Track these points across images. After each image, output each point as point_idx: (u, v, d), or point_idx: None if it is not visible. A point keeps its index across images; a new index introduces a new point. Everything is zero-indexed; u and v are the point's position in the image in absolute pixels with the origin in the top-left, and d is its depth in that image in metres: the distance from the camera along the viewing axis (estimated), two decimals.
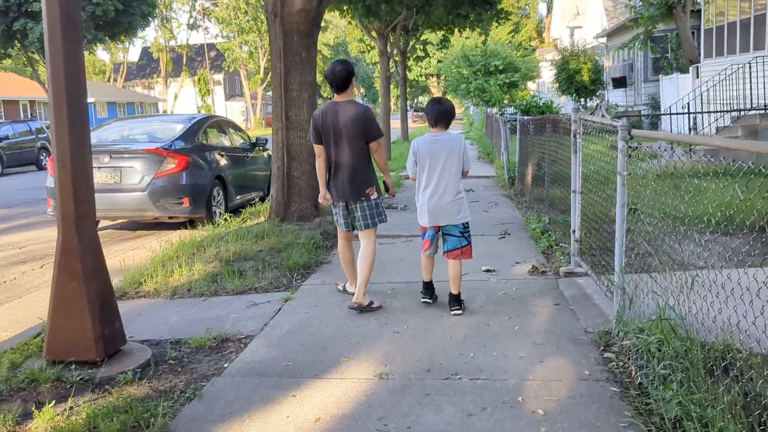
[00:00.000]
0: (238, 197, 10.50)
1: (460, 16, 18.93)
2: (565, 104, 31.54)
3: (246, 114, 79.88)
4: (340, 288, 5.70)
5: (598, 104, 4.94)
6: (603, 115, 4.62)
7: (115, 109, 63.70)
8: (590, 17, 42.93)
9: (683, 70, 22.71)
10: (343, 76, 5.08)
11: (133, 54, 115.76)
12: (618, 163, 4.21)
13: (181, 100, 79.02)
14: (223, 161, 10.09)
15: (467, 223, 4.98)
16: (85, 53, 45.25)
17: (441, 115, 4.94)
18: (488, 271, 6.17)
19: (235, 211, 10.21)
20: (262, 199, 11.36)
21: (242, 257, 6.75)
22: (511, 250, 7.07)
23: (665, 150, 4.20)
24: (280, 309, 5.29)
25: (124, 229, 10.21)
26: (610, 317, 4.57)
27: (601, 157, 5.79)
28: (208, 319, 5.12)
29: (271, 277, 6.12)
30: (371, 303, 5.13)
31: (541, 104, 25.90)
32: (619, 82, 28.34)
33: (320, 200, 5.36)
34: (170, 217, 9.19)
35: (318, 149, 5.24)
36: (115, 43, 74.82)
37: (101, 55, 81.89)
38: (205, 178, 9.41)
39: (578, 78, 27.64)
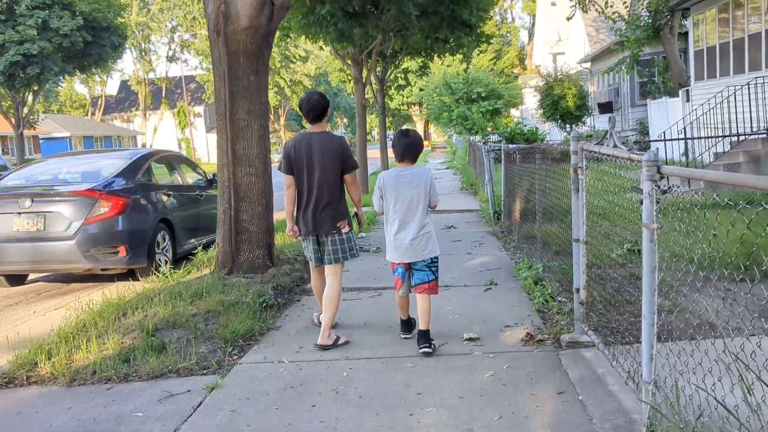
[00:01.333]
0: (190, 242, 9.26)
1: (438, 40, 17.95)
2: (549, 131, 30.65)
3: None
4: (315, 320, 5.50)
5: (608, 131, 4.06)
6: (616, 145, 3.41)
7: (92, 144, 62.38)
8: (572, 43, 42.47)
9: (672, 94, 21.87)
10: (320, 106, 5.04)
11: (112, 87, 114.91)
12: (643, 211, 3.05)
13: (161, 133, 77.83)
14: (170, 202, 8.88)
15: (436, 257, 4.86)
16: (58, 87, 44.09)
17: (407, 149, 4.79)
18: (471, 339, 4.96)
19: (188, 256, 9.00)
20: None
21: (171, 324, 5.50)
22: (499, 308, 5.87)
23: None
24: (200, 404, 4.05)
25: (57, 281, 8.93)
26: (634, 416, 3.39)
27: (602, 185, 4.69)
28: (104, 421, 3.88)
29: (199, 354, 4.87)
30: (337, 339, 5.00)
31: (525, 131, 24.94)
32: (605, 107, 27.47)
33: (288, 233, 5.26)
34: (103, 270, 7.95)
35: (288, 180, 5.12)
36: (91, 76, 73.87)
37: (80, 88, 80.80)
38: (147, 222, 8.18)
39: (563, 104, 26.78)
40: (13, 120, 32.94)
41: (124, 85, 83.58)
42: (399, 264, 4.82)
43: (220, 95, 6.89)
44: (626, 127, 26.88)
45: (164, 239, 8.53)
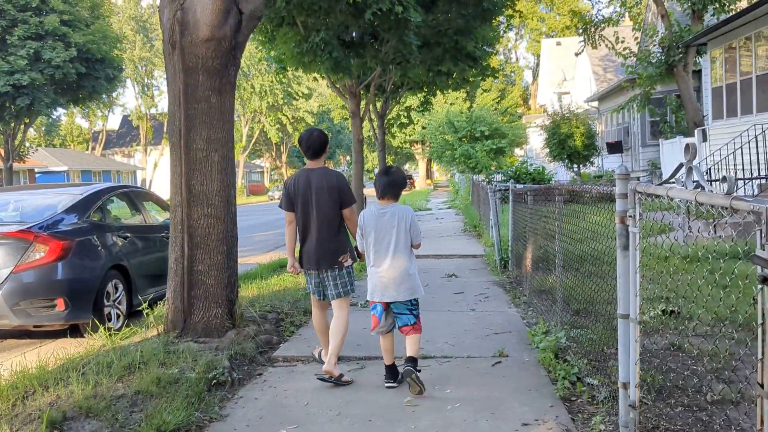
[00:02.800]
0: (151, 291, 7.99)
1: (441, 73, 16.89)
2: (555, 170, 29.50)
3: None
4: (316, 355, 5.44)
5: (683, 165, 3.04)
6: (697, 183, 2.14)
7: (90, 178, 61.48)
8: (578, 82, 41.75)
9: (686, 134, 20.77)
10: (319, 142, 5.10)
11: (114, 122, 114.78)
12: (761, 299, 1.81)
13: (162, 168, 77.02)
14: (128, 245, 7.66)
15: (416, 299, 4.77)
16: (59, 121, 43.36)
17: (387, 186, 4.79)
18: None
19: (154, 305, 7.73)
20: None
21: (86, 411, 4.22)
22: (512, 393, 4.57)
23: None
24: None
25: None
26: None
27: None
28: None
29: None
30: (341, 375, 4.90)
31: (531, 171, 23.81)
32: (615, 147, 26.42)
33: (288, 269, 5.35)
34: (36, 327, 6.69)
35: (289, 216, 5.18)
36: (84, 108, 73.53)
37: (83, 123, 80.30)
38: (94, 269, 6.95)
39: (570, 143, 25.71)
40: (2, 152, 31.96)
41: (125, 120, 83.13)
42: (378, 302, 4.74)
43: (174, 120, 5.71)
44: (637, 167, 25.75)
45: (116, 289, 7.29)
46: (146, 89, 76.00)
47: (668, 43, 20.20)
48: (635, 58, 21.55)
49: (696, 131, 18.79)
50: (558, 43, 55.27)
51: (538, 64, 71.71)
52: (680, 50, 20.25)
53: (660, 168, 22.78)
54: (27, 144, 35.66)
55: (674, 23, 19.94)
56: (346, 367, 5.26)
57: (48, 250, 6.48)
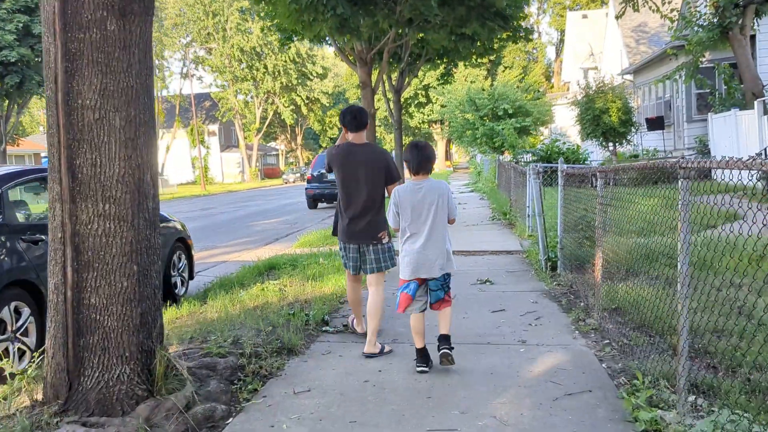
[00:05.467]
0: None
1: (465, 38, 14.55)
2: (591, 150, 26.94)
3: (242, 166, 75.91)
4: (350, 326, 5.65)
5: None
6: None
7: None
8: (608, 56, 39.08)
9: (742, 106, 18.24)
10: (363, 115, 5.21)
11: None
12: None
13: (174, 151, 75.31)
14: (38, 254, 5.50)
15: (449, 273, 4.67)
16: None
17: (423, 161, 4.62)
18: None
19: None
20: None
21: None
22: None
23: None
24: None
25: None
26: None
27: None
28: None
29: None
30: (382, 348, 5.02)
31: (565, 150, 21.39)
32: (655, 123, 23.87)
33: None
34: None
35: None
36: None
37: None
38: None
39: (605, 119, 23.22)
40: None
41: None
42: (412, 280, 4.60)
43: (48, 59, 3.50)
44: (680, 145, 23.22)
45: (18, 315, 5.15)
46: (157, 71, 74.04)
47: (723, 3, 17.64)
48: (684, 21, 19.02)
49: (756, 103, 16.34)
50: (584, 16, 52.38)
51: (561, 40, 68.61)
52: (737, 10, 17.70)
53: (709, 146, 20.30)
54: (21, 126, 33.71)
55: None
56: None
57: None
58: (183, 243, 8.01)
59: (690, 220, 3.33)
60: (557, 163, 8.36)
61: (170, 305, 7.00)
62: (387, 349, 5.03)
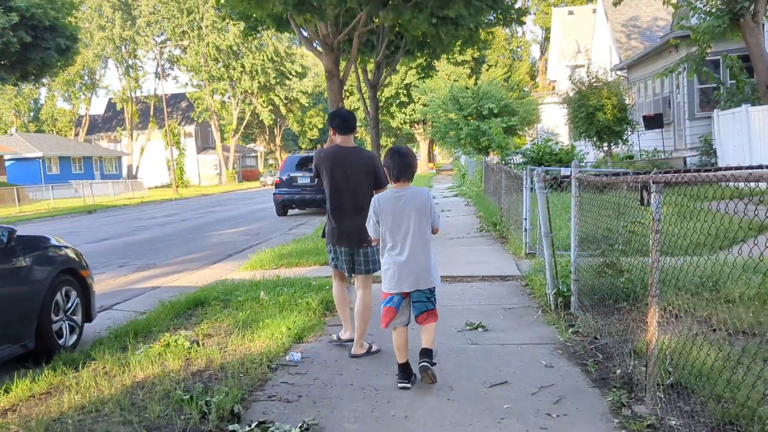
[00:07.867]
0: None
1: (448, 21, 12.59)
2: (586, 151, 25.05)
3: (219, 167, 73.50)
4: (335, 338, 5.49)
5: None
6: None
7: (69, 165, 57.33)
8: (597, 52, 37.37)
9: (754, 101, 16.45)
10: (352, 119, 5.23)
11: (99, 106, 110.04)
12: None
13: (149, 153, 72.91)
14: None
15: (434, 288, 4.44)
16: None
17: (405, 167, 4.42)
18: None
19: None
20: (25, 356, 4.95)
21: None
22: None
23: None
24: None
25: None
26: None
27: None
28: None
29: None
30: (370, 348, 5.10)
31: (557, 150, 19.50)
32: (654, 122, 22.08)
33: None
34: None
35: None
36: (75, 92, 69.05)
37: (64, 106, 75.81)
38: None
39: (600, 116, 21.41)
40: None
41: (110, 104, 78.51)
42: (396, 293, 4.37)
43: None
44: (681, 145, 21.44)
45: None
46: (130, 71, 71.43)
47: None
48: (689, 8, 17.21)
49: None
50: (570, 12, 50.66)
51: (546, 38, 66.92)
52: None
53: (714, 145, 18.48)
54: None
55: None
56: None
57: None
58: (74, 275, 5.94)
59: None
60: (554, 166, 6.45)
61: (44, 364, 4.98)
62: (375, 348, 5.11)
